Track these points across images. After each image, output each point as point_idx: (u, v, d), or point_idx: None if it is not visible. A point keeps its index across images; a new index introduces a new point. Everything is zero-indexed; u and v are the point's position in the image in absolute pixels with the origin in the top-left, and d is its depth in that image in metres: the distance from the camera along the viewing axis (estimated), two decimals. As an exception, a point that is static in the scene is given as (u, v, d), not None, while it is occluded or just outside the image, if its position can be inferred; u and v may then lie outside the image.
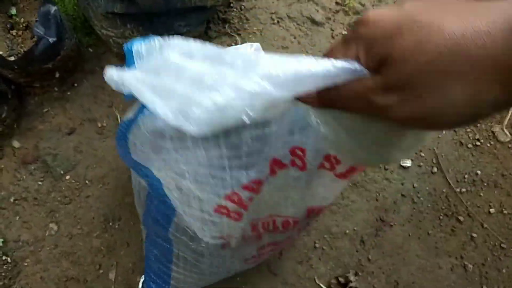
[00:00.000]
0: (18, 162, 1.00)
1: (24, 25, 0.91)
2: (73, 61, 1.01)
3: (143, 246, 0.84)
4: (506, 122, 1.17)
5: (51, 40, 0.86)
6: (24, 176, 0.99)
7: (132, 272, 0.96)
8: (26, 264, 0.95)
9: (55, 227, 0.97)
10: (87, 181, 1.00)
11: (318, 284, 1.00)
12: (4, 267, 0.93)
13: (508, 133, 1.16)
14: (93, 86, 1.07)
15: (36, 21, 0.88)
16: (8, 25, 0.93)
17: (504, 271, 1.05)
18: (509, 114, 1.17)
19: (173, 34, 1.00)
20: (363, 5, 1.25)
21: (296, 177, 0.59)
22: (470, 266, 1.05)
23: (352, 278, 0.99)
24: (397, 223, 1.06)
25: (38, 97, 1.04)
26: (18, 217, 0.97)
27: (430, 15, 0.28)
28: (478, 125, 1.16)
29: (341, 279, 1.00)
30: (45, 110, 1.04)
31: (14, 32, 0.92)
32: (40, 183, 0.99)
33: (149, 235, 0.78)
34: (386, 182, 1.09)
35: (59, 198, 0.99)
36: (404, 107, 0.30)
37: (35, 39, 0.89)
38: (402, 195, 1.09)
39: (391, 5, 0.31)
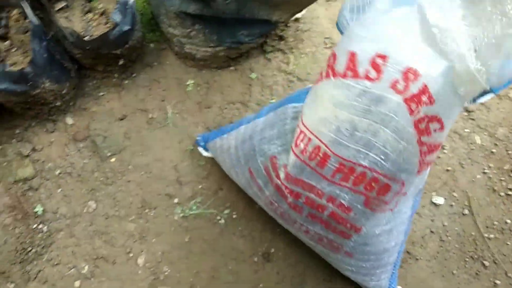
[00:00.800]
0: (69, 138, 1.04)
1: (100, 11, 0.97)
2: (137, 52, 1.06)
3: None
4: (540, 176, 1.18)
5: (125, 28, 0.91)
6: (72, 152, 1.03)
7: (160, 261, 0.98)
8: (60, 236, 0.97)
9: (94, 205, 0.99)
10: (130, 167, 1.04)
11: (339, 304, 1.00)
12: (39, 235, 0.95)
13: (541, 187, 1.17)
14: (149, 79, 1.11)
15: (115, 8, 0.93)
16: (86, 8, 0.98)
17: (525, 323, 1.04)
18: (544, 169, 1.18)
19: (235, 42, 1.05)
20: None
21: None
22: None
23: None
24: (423, 258, 1.07)
25: (97, 81, 1.09)
26: (60, 189, 1.00)
27: None
28: (513, 175, 1.18)
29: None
30: (101, 94, 1.09)
31: (90, 15, 0.97)
32: (86, 161, 1.02)
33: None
34: (417, 216, 1.10)
35: (101, 178, 1.02)
36: None
37: (109, 25, 0.94)
38: (431, 231, 1.10)
39: None
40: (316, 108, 0.71)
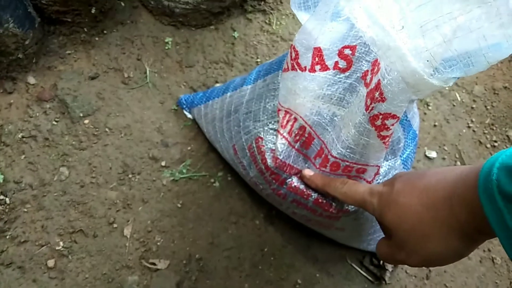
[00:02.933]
0: (32, 99, 0.87)
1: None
2: (110, 4, 0.93)
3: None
4: (519, 128, 1.19)
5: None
6: (37, 114, 0.86)
7: (151, 231, 0.83)
8: (26, 210, 0.79)
9: (66, 172, 0.83)
10: (107, 129, 0.89)
11: (350, 264, 0.91)
12: (1, 207, 0.77)
13: (521, 138, 1.18)
14: (122, 38, 0.98)
15: None
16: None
17: (530, 267, 1.01)
18: (521, 122, 1.20)
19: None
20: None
21: None
22: (498, 259, 1.00)
23: (385, 259, 0.91)
24: (425, 211, 1.01)
25: (63, 37, 0.94)
26: (23, 156, 0.83)
27: (405, 197, 0.46)
28: (494, 128, 1.18)
29: (375, 260, 0.91)
30: (68, 52, 0.94)
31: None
32: (54, 123, 0.86)
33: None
34: (413, 171, 1.06)
35: (73, 142, 0.86)
36: (411, 259, 0.46)
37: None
38: (429, 184, 1.05)
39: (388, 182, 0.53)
40: (293, 95, 0.64)
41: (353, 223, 0.76)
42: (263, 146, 0.69)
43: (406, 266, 0.93)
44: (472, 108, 1.19)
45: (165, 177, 0.87)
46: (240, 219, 0.88)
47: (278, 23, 1.12)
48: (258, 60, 1.05)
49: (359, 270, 0.90)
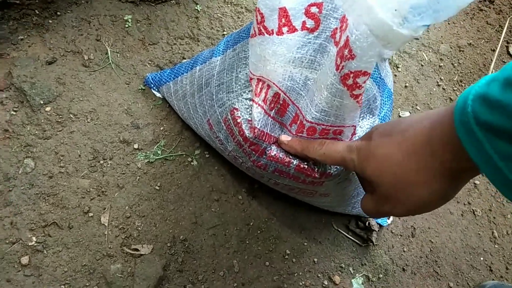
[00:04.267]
0: (-16, 90, 0.80)
1: None
2: (61, -20, 0.86)
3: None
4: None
5: None
6: (-7, 104, 0.79)
7: (130, 216, 0.78)
8: (-10, 207, 0.72)
9: (32, 164, 0.77)
10: (71, 115, 0.82)
11: (337, 229, 0.89)
12: (-38, 208, 0.70)
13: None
14: (78, 18, 0.91)
15: None
16: None
17: (509, 216, 1.03)
18: (487, 77, 1.21)
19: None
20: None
21: None
22: (479, 211, 1.01)
23: (372, 222, 0.89)
24: (405, 171, 1.01)
25: (13, 22, 0.86)
26: (-18, 151, 0.76)
27: (384, 148, 0.44)
28: (462, 84, 1.18)
29: (361, 223, 0.90)
30: (20, 37, 0.86)
31: None
32: (13, 113, 0.79)
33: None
34: (388, 121, 1.05)
35: (36, 132, 0.79)
36: (396, 209, 0.45)
37: None
38: (406, 144, 1.04)
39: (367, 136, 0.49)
40: (263, 62, 0.61)
41: (337, 187, 0.74)
42: (239, 117, 0.65)
43: (391, 226, 0.92)
44: (440, 66, 1.18)
45: (139, 160, 0.82)
46: (222, 195, 0.84)
47: (242, -6, 1.08)
48: (225, 32, 1.01)
49: (346, 234, 0.89)
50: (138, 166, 0.82)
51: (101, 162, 0.80)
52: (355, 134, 0.65)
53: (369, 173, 0.46)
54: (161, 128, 0.86)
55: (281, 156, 0.67)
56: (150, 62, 0.92)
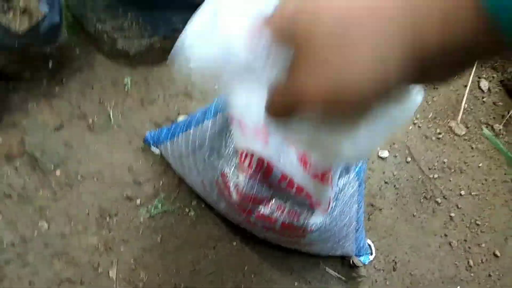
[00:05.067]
0: (1, 158, 0.87)
1: (22, 9, 0.84)
2: (65, 54, 0.94)
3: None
4: (459, 118, 1.28)
5: (55, 20, 0.80)
6: (8, 172, 0.86)
7: (135, 269, 0.85)
8: (11, 269, 0.79)
9: (45, 226, 0.84)
10: (79, 177, 0.90)
11: (324, 268, 0.96)
12: (-15, 271, 0.77)
13: (462, 127, 1.27)
14: (81, 84, 0.99)
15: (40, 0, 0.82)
16: (5, 7, 0.84)
17: (483, 245, 1.10)
18: (461, 112, 1.29)
19: (171, 30, 0.99)
20: None
21: None
22: (455, 242, 1.08)
23: (356, 260, 0.97)
24: (385, 207, 1.08)
25: (23, 92, 0.93)
26: (0, 216, 0.83)
27: None
28: (437, 121, 1.26)
29: (346, 261, 0.97)
30: (30, 106, 0.94)
31: (11, 15, 0.84)
32: (27, 179, 0.87)
33: None
34: (370, 172, 1.12)
35: (48, 195, 0.87)
36: (313, 80, 0.27)
37: (35, 20, 0.82)
38: (385, 182, 1.12)
39: None
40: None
41: (318, 238, 0.81)
42: (228, 181, 0.73)
43: (374, 262, 0.99)
44: (416, 105, 1.26)
45: (142, 214, 0.90)
46: (218, 243, 0.92)
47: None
48: (217, 86, 1.08)
49: (333, 273, 0.96)
50: (141, 220, 0.89)
51: (107, 219, 0.88)
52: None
53: (299, 29, 0.27)
54: (161, 183, 0.94)
55: (268, 215, 0.74)
56: (148, 120, 1.00)
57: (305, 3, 0.27)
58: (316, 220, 0.75)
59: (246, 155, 0.71)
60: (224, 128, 0.77)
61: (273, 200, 0.74)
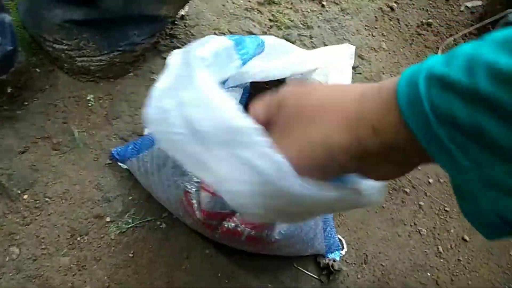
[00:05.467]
0: (-34, 187, 0.87)
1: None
2: (24, 77, 0.93)
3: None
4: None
5: (8, 48, 0.79)
6: (-25, 201, 0.86)
7: (108, 286, 0.86)
8: (-16, 296, 0.80)
9: (17, 251, 0.84)
10: (47, 199, 0.90)
11: (297, 267, 0.98)
12: (-42, 302, 0.78)
13: (429, 115, 1.28)
14: (44, 104, 0.99)
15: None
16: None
17: (452, 231, 1.13)
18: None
19: (129, 44, 0.98)
20: (292, 20, 1.34)
21: None
22: (424, 230, 1.10)
23: (326, 260, 0.99)
24: (355, 202, 1.10)
25: (-16, 118, 0.93)
26: (-30, 246, 0.83)
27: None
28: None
29: (318, 259, 0.99)
30: (-7, 131, 0.93)
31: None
32: (-6, 206, 0.87)
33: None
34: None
35: (17, 220, 0.87)
36: (282, 141, 0.35)
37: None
38: (355, 177, 1.13)
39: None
40: None
41: (285, 244, 0.83)
42: (191, 199, 0.74)
43: (346, 256, 1.01)
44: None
45: (113, 231, 0.90)
46: (191, 252, 0.93)
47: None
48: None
49: (305, 271, 0.98)
50: (112, 237, 0.90)
51: (78, 238, 0.88)
52: None
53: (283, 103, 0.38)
54: (130, 198, 0.94)
55: (232, 229, 0.75)
56: (115, 136, 1.00)
57: (291, 92, 0.36)
58: (280, 229, 0.77)
59: None
60: None
61: (237, 214, 0.75)
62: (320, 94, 0.34)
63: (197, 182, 0.74)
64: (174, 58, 0.47)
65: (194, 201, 0.74)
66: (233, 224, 0.74)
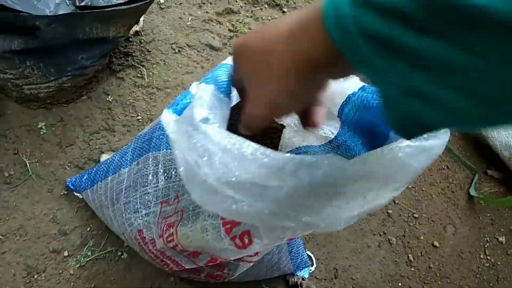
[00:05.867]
0: None
1: None
2: (-34, 110, 0.88)
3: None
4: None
5: None
6: None
7: (68, 324, 0.83)
8: None
9: (-32, 295, 0.81)
10: (1, 236, 0.86)
11: (261, 284, 0.96)
12: None
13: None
14: (-7, 136, 0.94)
15: None
16: None
17: (422, 237, 1.12)
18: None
19: (77, 68, 0.93)
20: (251, 29, 1.30)
21: None
22: (394, 239, 1.09)
23: (295, 278, 0.97)
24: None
25: None
26: None
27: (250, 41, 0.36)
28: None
29: (287, 278, 0.97)
30: None
31: None
32: None
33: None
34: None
35: (-32, 262, 0.83)
36: (256, 107, 0.37)
37: None
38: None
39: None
40: None
41: (248, 274, 0.81)
42: (145, 237, 0.70)
43: (315, 272, 1.00)
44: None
45: (71, 265, 0.87)
46: (155, 281, 0.90)
47: (150, 73, 1.11)
48: (139, 117, 1.04)
49: (274, 291, 0.96)
50: (71, 272, 0.87)
51: (35, 276, 0.85)
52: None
53: (240, 72, 0.40)
54: (88, 229, 0.91)
55: (188, 268, 0.73)
56: (69, 164, 0.95)
57: (245, 43, 0.37)
58: (242, 268, 0.74)
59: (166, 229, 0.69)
60: (139, 179, 0.74)
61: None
62: (256, 47, 0.35)
63: (147, 215, 0.70)
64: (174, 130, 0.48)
65: (147, 239, 0.71)
66: (193, 264, 0.71)
